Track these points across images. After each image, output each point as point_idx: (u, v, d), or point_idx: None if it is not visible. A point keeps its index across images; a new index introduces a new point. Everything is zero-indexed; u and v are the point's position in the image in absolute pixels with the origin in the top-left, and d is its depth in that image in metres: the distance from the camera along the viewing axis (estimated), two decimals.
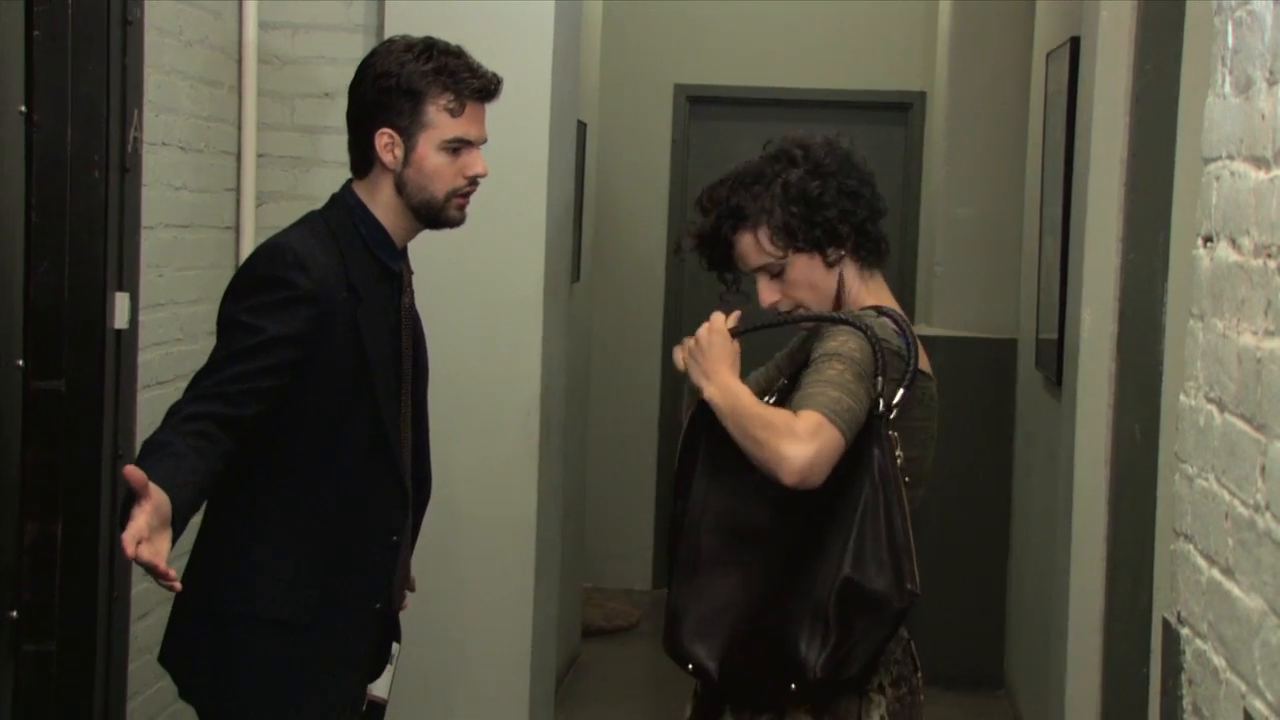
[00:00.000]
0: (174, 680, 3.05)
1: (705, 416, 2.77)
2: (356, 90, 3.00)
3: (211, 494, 2.80)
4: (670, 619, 2.76)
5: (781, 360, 3.02)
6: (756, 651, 2.70)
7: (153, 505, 2.48)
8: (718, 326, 2.79)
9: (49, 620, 3.49)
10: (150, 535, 2.47)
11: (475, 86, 2.97)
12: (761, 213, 2.80)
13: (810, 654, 2.64)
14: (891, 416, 2.69)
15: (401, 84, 2.93)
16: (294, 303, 2.84)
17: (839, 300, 2.86)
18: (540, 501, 4.53)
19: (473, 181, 3.01)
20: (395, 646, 3.16)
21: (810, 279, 2.83)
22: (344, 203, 3.02)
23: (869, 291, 2.88)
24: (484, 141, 3.02)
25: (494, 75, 3.01)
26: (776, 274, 2.84)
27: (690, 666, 2.74)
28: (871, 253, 2.86)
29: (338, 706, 3.02)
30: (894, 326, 2.78)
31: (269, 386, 2.81)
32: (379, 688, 3.14)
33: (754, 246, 2.83)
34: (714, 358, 2.76)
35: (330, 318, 2.88)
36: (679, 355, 2.82)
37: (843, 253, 2.83)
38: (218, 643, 2.94)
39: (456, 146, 2.97)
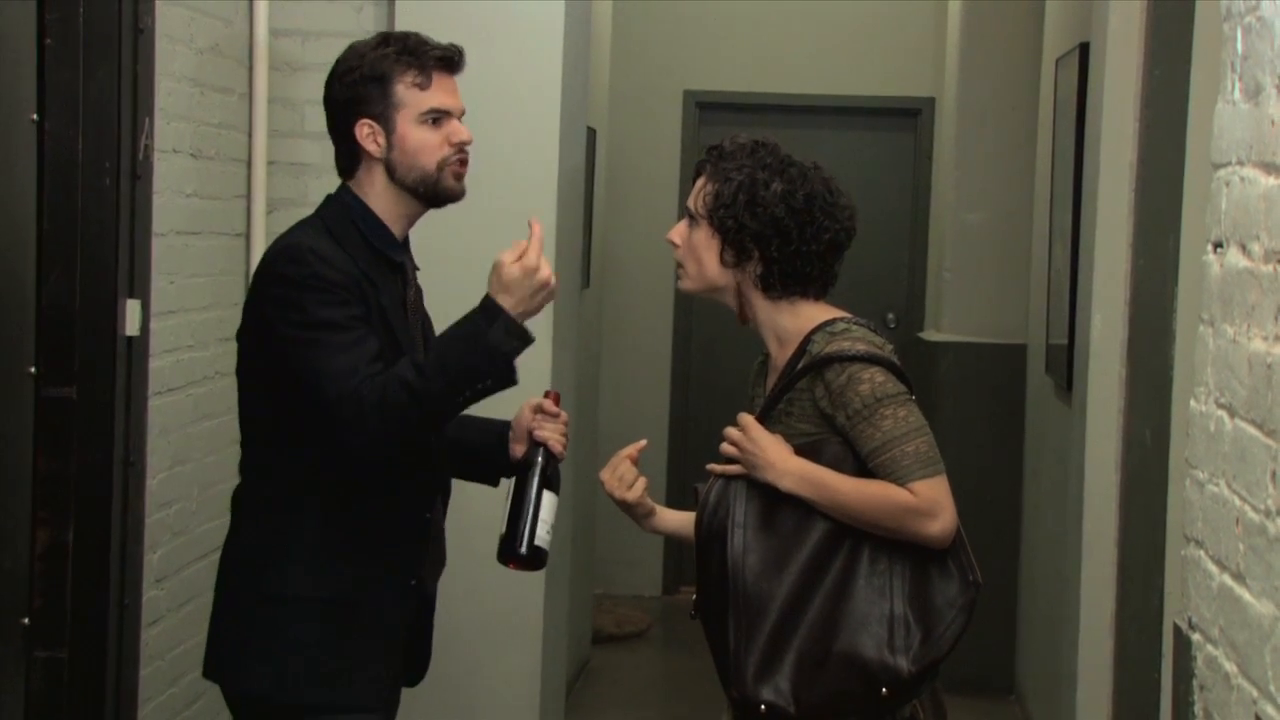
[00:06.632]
0: (220, 681, 3.04)
1: (711, 496, 2.83)
2: (328, 96, 3.04)
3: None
4: (735, 667, 2.75)
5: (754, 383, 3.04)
6: (832, 672, 2.72)
7: None
8: (750, 421, 2.83)
9: (60, 627, 3.50)
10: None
11: (437, 56, 3.01)
12: (721, 176, 2.87)
13: (898, 658, 2.69)
14: None
15: (366, 73, 2.98)
16: (333, 289, 2.88)
17: (741, 308, 2.91)
18: None
19: (461, 149, 3.02)
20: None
21: (700, 254, 2.89)
22: (340, 201, 3.04)
23: (807, 312, 2.88)
24: (463, 112, 3.04)
25: (454, 46, 3.05)
26: (692, 224, 2.91)
27: (763, 708, 2.72)
28: (774, 286, 2.87)
29: (383, 684, 3.03)
30: (876, 335, 2.84)
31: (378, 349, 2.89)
32: None
33: (699, 191, 2.91)
34: (767, 447, 2.79)
35: (362, 303, 2.92)
36: (726, 465, 2.83)
37: (737, 266, 2.87)
38: (262, 629, 2.95)
39: (435, 117, 2.99)
